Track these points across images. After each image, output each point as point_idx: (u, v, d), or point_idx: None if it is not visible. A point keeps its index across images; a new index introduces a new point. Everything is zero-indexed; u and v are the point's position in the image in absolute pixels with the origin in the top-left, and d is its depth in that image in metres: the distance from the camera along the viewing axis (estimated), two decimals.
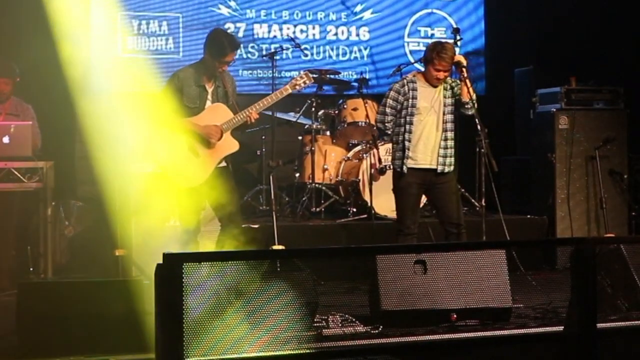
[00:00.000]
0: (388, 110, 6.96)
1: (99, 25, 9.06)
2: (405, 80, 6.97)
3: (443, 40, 7.22)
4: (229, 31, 9.36)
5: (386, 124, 6.98)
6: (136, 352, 5.07)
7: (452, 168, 6.93)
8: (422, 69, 7.06)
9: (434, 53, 6.79)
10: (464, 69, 6.83)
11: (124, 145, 7.88)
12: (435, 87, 6.91)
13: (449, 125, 6.91)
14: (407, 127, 6.88)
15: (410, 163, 6.87)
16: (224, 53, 6.47)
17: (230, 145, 6.54)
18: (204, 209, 6.67)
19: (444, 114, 6.90)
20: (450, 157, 6.91)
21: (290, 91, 6.76)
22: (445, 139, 6.90)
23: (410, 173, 6.88)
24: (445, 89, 6.93)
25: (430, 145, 6.88)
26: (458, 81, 6.93)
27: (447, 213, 6.92)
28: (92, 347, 5.18)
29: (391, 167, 7.12)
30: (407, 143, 6.87)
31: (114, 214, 7.58)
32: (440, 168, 6.88)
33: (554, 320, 6.12)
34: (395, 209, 7.02)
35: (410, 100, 6.88)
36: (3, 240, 7.54)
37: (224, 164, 6.60)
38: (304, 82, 6.83)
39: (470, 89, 6.87)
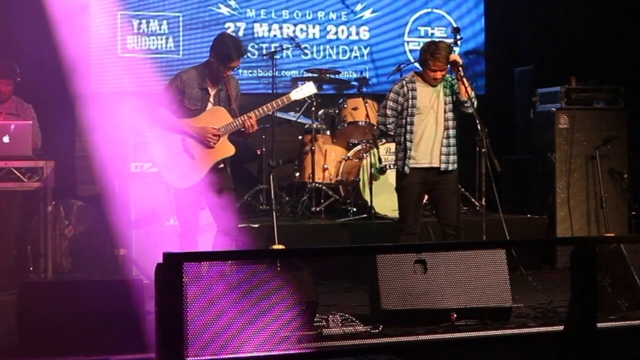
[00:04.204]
0: (389, 112, 6.99)
1: (99, 24, 9.06)
2: (404, 81, 6.99)
3: (437, 40, 7.23)
4: (229, 30, 9.40)
5: (388, 126, 7.01)
6: (136, 352, 5.07)
7: (455, 166, 6.95)
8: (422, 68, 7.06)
9: (428, 54, 6.81)
10: (460, 68, 6.85)
11: (124, 144, 7.89)
12: (435, 86, 6.92)
13: (451, 123, 6.93)
14: (408, 127, 6.89)
15: (412, 163, 6.89)
16: (229, 59, 6.45)
17: (226, 149, 6.52)
18: (203, 208, 6.67)
19: (444, 112, 6.92)
20: (454, 154, 6.93)
21: (292, 100, 6.78)
22: (447, 137, 6.91)
23: (412, 173, 6.89)
24: (445, 86, 6.95)
25: (432, 144, 6.89)
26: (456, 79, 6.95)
27: (446, 214, 6.94)
28: (92, 346, 5.18)
29: (391, 166, 7.12)
30: (408, 143, 6.89)
31: (114, 214, 7.58)
32: (443, 166, 6.89)
33: (554, 319, 6.11)
34: (396, 208, 7.02)
35: (410, 100, 6.90)
36: (3, 240, 7.54)
37: (221, 165, 6.58)
38: (309, 91, 6.85)
39: (469, 88, 6.87)
